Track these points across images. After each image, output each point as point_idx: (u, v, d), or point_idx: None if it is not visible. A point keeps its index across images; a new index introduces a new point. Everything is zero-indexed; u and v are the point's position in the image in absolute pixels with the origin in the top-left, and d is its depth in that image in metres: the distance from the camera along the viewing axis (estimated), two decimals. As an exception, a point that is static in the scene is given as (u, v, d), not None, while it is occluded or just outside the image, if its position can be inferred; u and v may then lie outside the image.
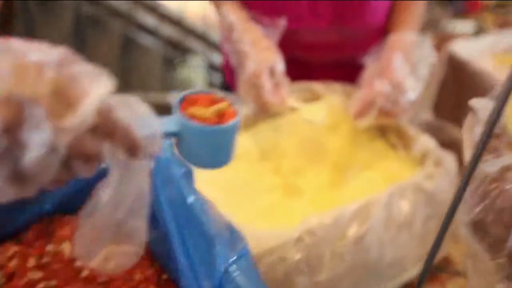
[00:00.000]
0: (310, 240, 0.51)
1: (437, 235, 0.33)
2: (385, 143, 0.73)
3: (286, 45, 0.86)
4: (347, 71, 0.87)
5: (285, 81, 0.73)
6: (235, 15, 0.76)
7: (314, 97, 0.77)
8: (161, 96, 2.30)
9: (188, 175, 0.38)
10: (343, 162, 0.69)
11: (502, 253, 0.33)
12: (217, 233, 0.31)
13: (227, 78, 1.02)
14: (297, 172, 0.68)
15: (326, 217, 0.53)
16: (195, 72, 3.33)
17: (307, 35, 0.86)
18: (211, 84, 2.61)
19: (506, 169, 0.33)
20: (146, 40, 2.69)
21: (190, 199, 0.35)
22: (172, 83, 3.25)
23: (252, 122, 0.75)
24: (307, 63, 0.91)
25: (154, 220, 0.41)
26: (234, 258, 0.31)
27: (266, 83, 0.70)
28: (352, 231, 0.53)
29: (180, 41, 2.11)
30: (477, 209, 0.33)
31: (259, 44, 0.73)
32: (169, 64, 3.24)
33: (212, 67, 2.83)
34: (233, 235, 0.32)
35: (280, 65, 0.73)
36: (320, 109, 0.74)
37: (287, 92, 0.72)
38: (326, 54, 0.89)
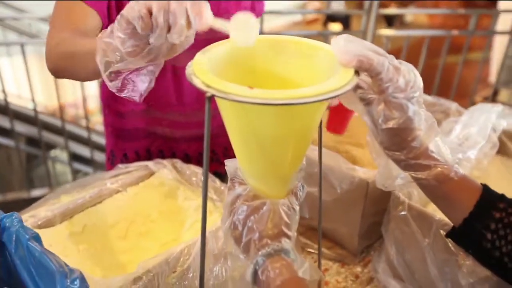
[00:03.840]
0: (146, 277, 0.68)
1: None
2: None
3: (153, 122, 1.08)
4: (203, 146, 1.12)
5: None
6: None
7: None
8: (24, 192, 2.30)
9: (37, 238, 0.54)
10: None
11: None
12: (56, 269, 0.48)
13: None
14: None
15: (158, 257, 0.70)
16: (58, 165, 3.32)
17: (174, 117, 1.09)
18: (74, 177, 2.64)
19: (236, 197, 0.54)
20: (3, 140, 2.67)
21: (36, 250, 0.51)
22: (35, 178, 3.19)
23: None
24: (172, 137, 1.12)
25: (11, 277, 0.56)
26: (68, 283, 0.47)
27: None
28: (179, 266, 0.72)
29: (40, 137, 2.18)
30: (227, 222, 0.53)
31: None
32: (31, 160, 3.20)
33: (77, 158, 2.89)
34: (69, 270, 0.49)
35: None
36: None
37: None
38: (190, 130, 1.12)
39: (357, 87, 0.50)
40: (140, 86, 0.64)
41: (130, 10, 0.53)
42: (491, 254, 0.50)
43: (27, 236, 0.53)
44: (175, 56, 0.86)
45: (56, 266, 0.49)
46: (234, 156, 0.57)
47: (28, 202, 0.88)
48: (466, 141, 0.96)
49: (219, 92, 0.46)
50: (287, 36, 0.59)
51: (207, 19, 0.55)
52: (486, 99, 4.40)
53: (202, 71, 0.49)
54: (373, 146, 0.54)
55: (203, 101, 0.47)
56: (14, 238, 0.54)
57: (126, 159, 1.15)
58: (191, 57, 0.85)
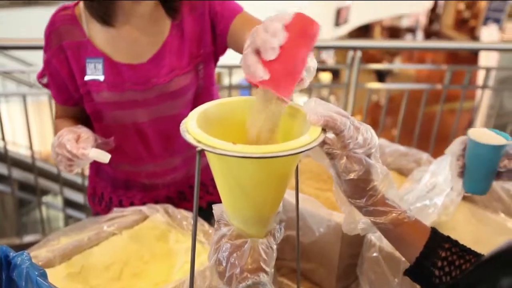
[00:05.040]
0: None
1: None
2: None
3: (132, 174, 1.15)
4: (182, 185, 1.18)
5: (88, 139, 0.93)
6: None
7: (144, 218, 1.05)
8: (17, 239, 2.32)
9: (44, 275, 0.61)
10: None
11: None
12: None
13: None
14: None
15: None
16: (53, 211, 3.34)
17: (148, 168, 1.16)
18: (66, 223, 2.68)
19: (221, 237, 0.62)
20: (-3, 186, 2.72)
21: (45, 285, 0.58)
22: (28, 224, 3.21)
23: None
24: (152, 186, 1.19)
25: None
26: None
27: (68, 141, 0.90)
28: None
29: (36, 183, 2.23)
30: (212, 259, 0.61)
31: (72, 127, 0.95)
32: (25, 206, 3.23)
33: (70, 204, 2.93)
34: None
35: (84, 133, 0.94)
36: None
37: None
38: (167, 176, 1.19)
39: (324, 143, 0.60)
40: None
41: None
42: None
43: (36, 273, 0.61)
44: (134, 114, 1.09)
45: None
46: None
47: (21, 248, 0.94)
48: (433, 189, 1.06)
49: (207, 146, 0.55)
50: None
51: (87, 156, 0.90)
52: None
53: (193, 128, 0.59)
54: (338, 195, 0.63)
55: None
56: (24, 275, 0.62)
57: (110, 202, 1.22)
58: (149, 114, 1.11)
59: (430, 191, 1.05)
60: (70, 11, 1.03)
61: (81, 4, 1.03)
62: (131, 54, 1.04)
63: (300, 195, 0.99)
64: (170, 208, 1.06)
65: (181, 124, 0.61)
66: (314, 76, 0.63)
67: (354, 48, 2.20)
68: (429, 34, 16.81)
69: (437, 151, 2.37)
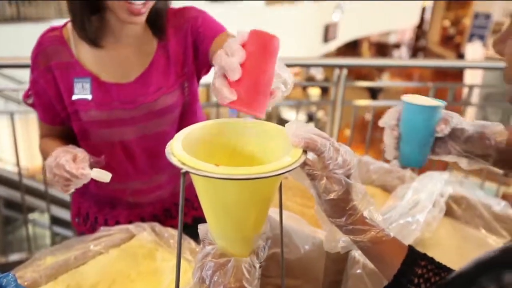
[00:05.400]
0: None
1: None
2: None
3: (118, 192, 1.16)
4: (168, 202, 1.19)
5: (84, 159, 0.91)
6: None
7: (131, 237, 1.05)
8: (2, 257, 2.29)
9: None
10: None
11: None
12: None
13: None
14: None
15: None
16: (39, 229, 3.31)
17: (134, 185, 1.17)
18: (53, 244, 2.65)
19: (205, 255, 0.64)
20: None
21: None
22: (14, 242, 3.17)
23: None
24: (137, 204, 1.20)
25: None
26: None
27: (67, 162, 0.88)
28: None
29: (23, 201, 2.22)
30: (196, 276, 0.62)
31: (66, 147, 0.94)
32: (10, 224, 3.19)
33: (57, 221, 2.90)
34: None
35: (80, 153, 0.92)
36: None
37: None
38: (152, 194, 1.20)
39: (305, 164, 0.62)
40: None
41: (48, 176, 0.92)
42: None
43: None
44: (122, 133, 1.11)
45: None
46: None
47: (6, 267, 0.95)
48: (416, 206, 1.08)
49: (192, 168, 0.57)
50: (252, 120, 0.72)
51: (86, 176, 0.89)
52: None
53: (178, 150, 0.61)
54: (320, 214, 0.65)
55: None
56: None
57: (96, 222, 1.22)
58: (136, 131, 1.13)
59: (413, 208, 1.08)
60: (58, 32, 1.05)
61: (69, 25, 1.05)
62: (119, 73, 1.06)
63: (285, 212, 1.01)
64: (157, 226, 1.07)
65: (166, 146, 0.63)
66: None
67: (340, 66, 2.24)
68: (416, 50, 17.10)
69: (420, 169, 2.41)
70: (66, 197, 2.57)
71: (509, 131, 0.77)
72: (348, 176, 0.61)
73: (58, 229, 2.96)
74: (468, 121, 0.81)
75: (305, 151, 0.62)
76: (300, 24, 9.03)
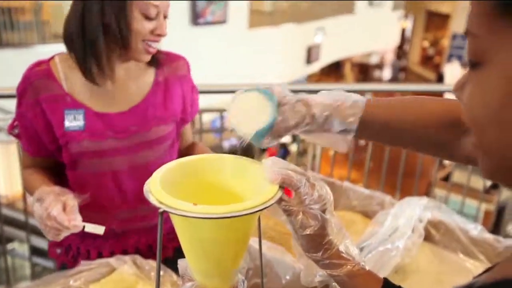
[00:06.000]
0: None
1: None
2: None
3: (103, 221, 1.15)
4: (153, 233, 1.20)
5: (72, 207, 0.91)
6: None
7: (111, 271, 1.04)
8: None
9: None
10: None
11: None
12: None
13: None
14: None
15: None
16: (18, 260, 3.23)
17: (121, 215, 1.16)
18: (33, 275, 2.59)
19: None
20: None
21: None
22: (-7, 273, 3.08)
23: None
24: (122, 233, 1.19)
25: None
26: None
27: (58, 214, 0.88)
28: None
29: (2, 231, 2.17)
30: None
31: (54, 192, 0.93)
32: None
33: (37, 251, 2.84)
34: None
35: (70, 200, 0.91)
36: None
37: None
38: (137, 223, 1.19)
39: (281, 199, 0.63)
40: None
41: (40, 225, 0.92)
42: None
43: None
44: (113, 162, 1.12)
45: None
46: None
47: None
48: (395, 232, 1.10)
49: (169, 208, 0.58)
50: (228, 155, 0.73)
51: (78, 228, 0.91)
52: (443, 180, 4.70)
53: (156, 189, 0.61)
54: (296, 249, 0.66)
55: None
56: None
57: (78, 253, 1.20)
58: (127, 161, 1.14)
59: (393, 234, 1.09)
60: (46, 65, 1.06)
61: (56, 58, 1.07)
62: (113, 104, 1.09)
63: (266, 242, 1.01)
64: (138, 259, 1.06)
65: (144, 185, 0.63)
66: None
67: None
68: (397, 70, 17.44)
69: (404, 187, 2.44)
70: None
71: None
72: (323, 211, 0.62)
73: (38, 260, 2.90)
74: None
75: (281, 187, 0.63)
76: (283, 47, 9.16)
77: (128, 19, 0.99)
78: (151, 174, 0.65)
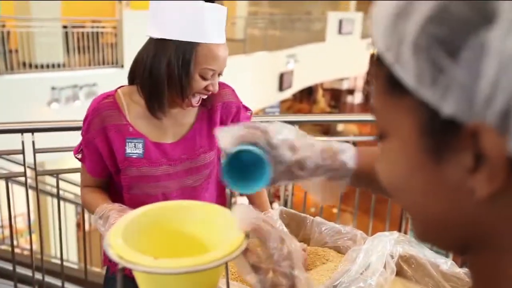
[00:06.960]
0: None
1: None
2: None
3: None
4: None
5: None
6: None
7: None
8: None
9: None
10: None
11: None
12: None
13: None
14: None
15: None
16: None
17: None
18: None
19: None
20: None
21: None
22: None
23: None
24: None
25: None
26: None
27: None
28: None
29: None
30: None
31: (116, 209, 1.04)
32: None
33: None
34: None
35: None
36: None
37: None
38: None
39: (247, 250, 0.61)
40: None
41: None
42: None
43: None
44: (165, 186, 1.25)
45: None
46: None
47: None
48: (368, 269, 1.09)
49: (129, 263, 0.55)
50: (194, 202, 0.72)
51: None
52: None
53: (116, 242, 0.59)
54: None
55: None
56: None
57: None
58: (177, 185, 1.26)
59: (365, 272, 1.08)
60: (112, 98, 1.20)
61: (120, 92, 1.22)
62: (166, 135, 1.24)
63: (236, 283, 0.99)
64: None
65: (105, 238, 0.61)
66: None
67: (293, 123, 2.30)
68: (368, 94, 17.84)
69: (377, 212, 2.44)
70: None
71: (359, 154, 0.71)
72: (293, 268, 0.61)
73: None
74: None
75: (247, 236, 0.61)
76: (256, 74, 9.28)
77: (189, 79, 1.13)
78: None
